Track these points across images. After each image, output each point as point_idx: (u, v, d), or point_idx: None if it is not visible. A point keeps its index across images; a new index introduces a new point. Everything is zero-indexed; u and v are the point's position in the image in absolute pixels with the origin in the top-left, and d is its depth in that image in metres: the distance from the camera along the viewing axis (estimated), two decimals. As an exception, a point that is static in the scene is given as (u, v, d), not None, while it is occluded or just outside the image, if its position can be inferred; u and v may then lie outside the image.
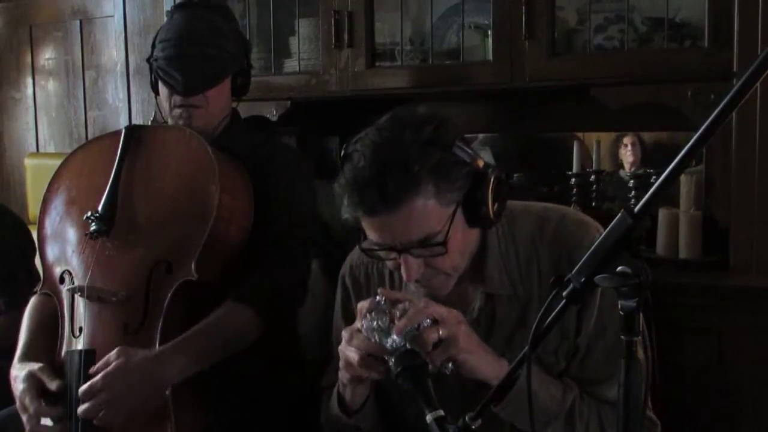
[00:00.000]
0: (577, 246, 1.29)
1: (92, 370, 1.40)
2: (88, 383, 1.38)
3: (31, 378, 1.47)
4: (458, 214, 1.21)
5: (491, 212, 1.22)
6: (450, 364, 1.18)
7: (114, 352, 1.40)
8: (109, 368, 1.38)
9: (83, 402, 1.38)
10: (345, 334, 1.22)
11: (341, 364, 1.24)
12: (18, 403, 1.47)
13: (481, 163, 1.23)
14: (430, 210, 1.18)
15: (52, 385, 1.45)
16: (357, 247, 1.45)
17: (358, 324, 1.21)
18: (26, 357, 1.54)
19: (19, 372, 1.50)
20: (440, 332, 1.16)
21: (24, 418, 1.45)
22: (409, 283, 1.28)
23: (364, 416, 1.34)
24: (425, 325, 1.16)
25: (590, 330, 1.29)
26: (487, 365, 1.21)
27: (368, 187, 1.16)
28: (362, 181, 1.17)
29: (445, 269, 1.26)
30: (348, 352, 1.20)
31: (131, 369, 1.38)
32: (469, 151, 1.22)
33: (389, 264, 1.30)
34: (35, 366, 1.49)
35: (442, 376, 1.19)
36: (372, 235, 1.24)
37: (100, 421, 1.38)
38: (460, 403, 1.13)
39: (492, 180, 1.21)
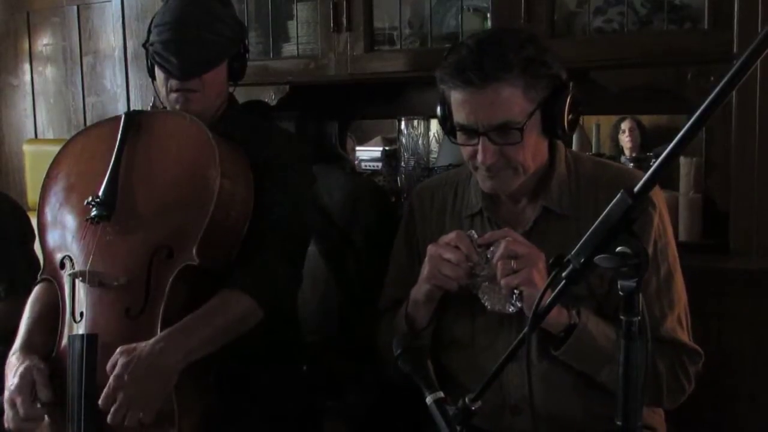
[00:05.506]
0: None
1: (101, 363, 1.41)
2: (104, 390, 1.39)
3: (28, 375, 1.45)
4: (536, 117, 1.35)
5: (566, 122, 1.35)
6: (514, 298, 1.30)
7: (116, 352, 1.40)
8: (116, 369, 1.39)
9: (106, 408, 1.38)
10: (452, 235, 1.36)
11: (432, 263, 1.36)
12: (7, 396, 1.45)
13: (564, 75, 1.37)
14: (515, 99, 1.32)
15: (42, 394, 1.44)
16: (426, 180, 1.70)
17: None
18: (26, 348, 1.53)
19: (17, 363, 1.48)
20: (519, 250, 1.29)
21: (9, 413, 1.43)
22: (479, 171, 1.39)
23: (428, 334, 1.46)
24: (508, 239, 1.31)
25: None
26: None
27: (468, 65, 1.32)
28: (463, 62, 1.33)
29: (516, 162, 1.37)
30: (446, 250, 1.35)
31: (135, 363, 1.38)
32: (557, 62, 1.36)
33: (465, 153, 1.41)
34: (34, 362, 1.47)
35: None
36: (460, 114, 1.36)
37: (130, 421, 1.37)
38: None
39: (571, 93, 1.35)
